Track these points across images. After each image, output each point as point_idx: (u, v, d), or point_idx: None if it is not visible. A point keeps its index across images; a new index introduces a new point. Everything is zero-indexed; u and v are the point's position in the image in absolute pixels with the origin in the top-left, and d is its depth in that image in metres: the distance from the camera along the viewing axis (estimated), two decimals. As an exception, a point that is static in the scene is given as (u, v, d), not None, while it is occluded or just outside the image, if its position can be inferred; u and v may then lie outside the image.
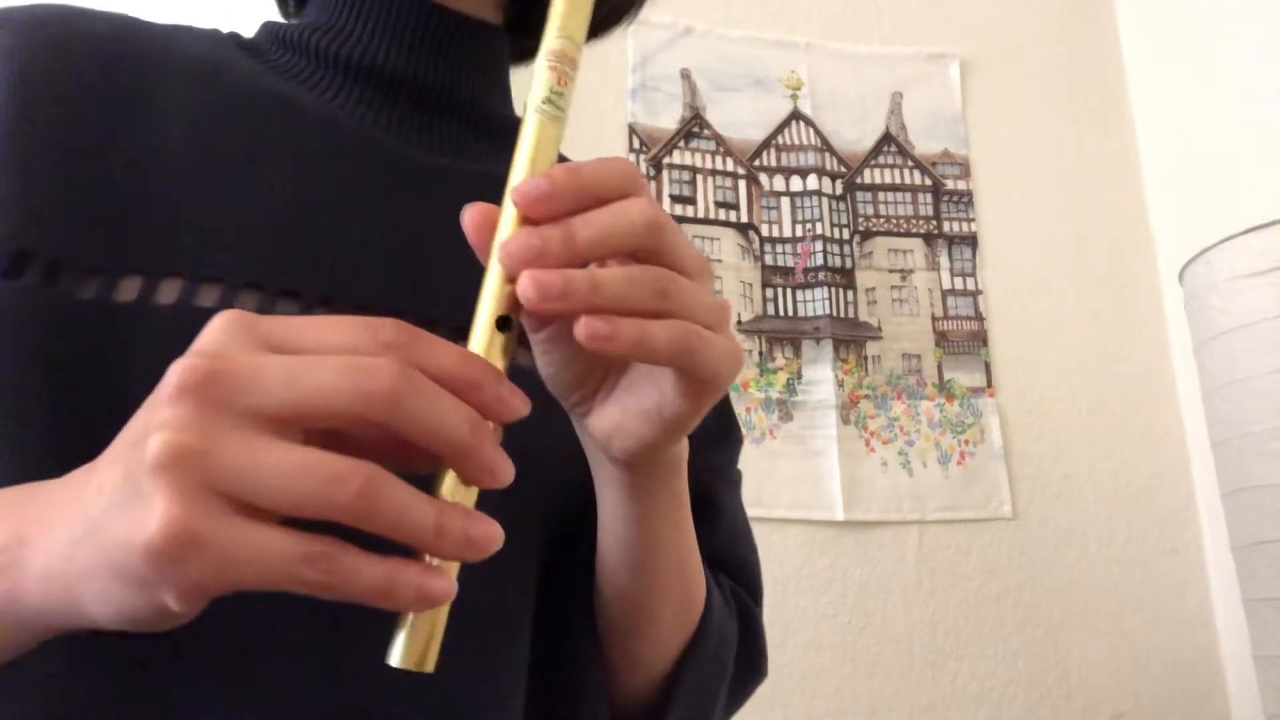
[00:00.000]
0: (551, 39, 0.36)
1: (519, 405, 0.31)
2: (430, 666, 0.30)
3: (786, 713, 1.54)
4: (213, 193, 0.44)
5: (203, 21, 0.53)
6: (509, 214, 0.33)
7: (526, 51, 0.59)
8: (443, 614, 0.30)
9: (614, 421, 0.38)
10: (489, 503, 0.31)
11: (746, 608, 0.59)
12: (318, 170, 0.47)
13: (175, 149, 0.45)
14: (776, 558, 1.60)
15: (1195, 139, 1.86)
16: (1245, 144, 1.72)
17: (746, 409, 1.68)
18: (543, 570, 0.50)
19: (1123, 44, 2.07)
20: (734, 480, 0.62)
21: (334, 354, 0.28)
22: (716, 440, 0.61)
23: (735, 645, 0.56)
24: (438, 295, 0.47)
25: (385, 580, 0.27)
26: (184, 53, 0.48)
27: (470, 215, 0.33)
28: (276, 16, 0.58)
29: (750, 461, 1.67)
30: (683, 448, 0.44)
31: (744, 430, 1.65)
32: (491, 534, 0.29)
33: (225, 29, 0.54)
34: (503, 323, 0.33)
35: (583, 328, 0.31)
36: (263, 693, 0.40)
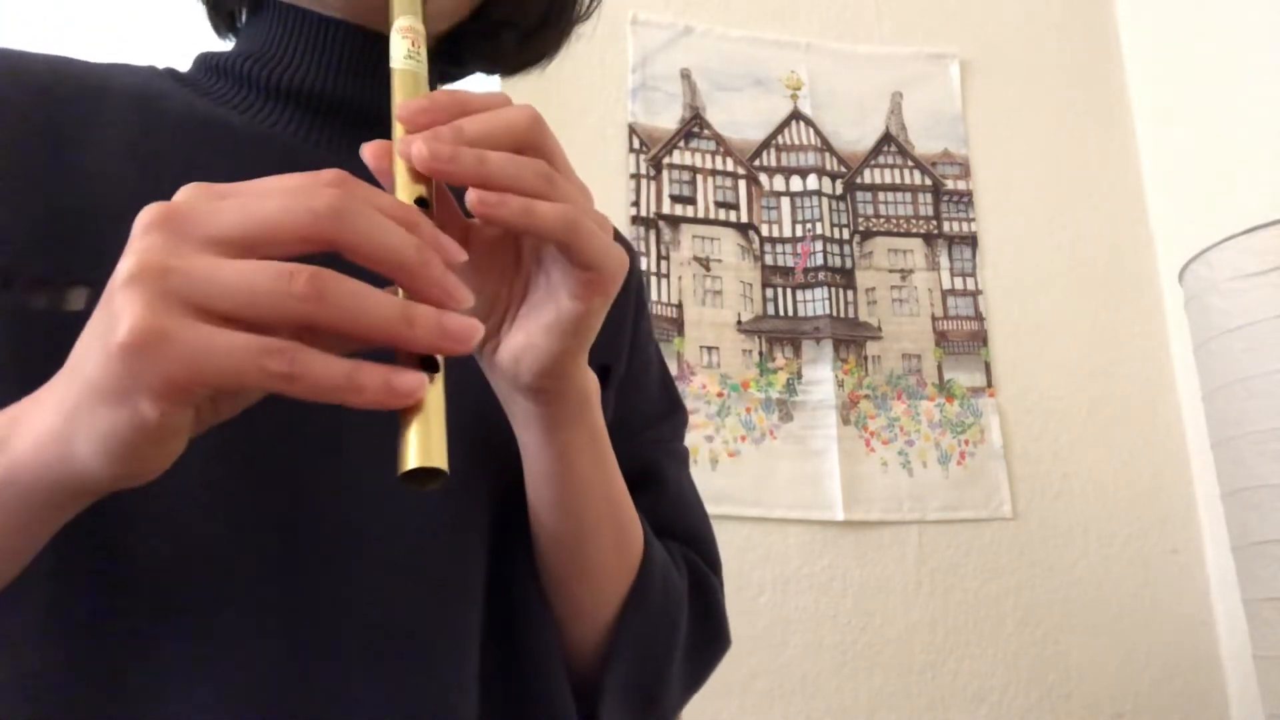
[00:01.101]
0: (399, 20, 0.42)
1: (456, 250, 0.33)
2: (442, 463, 0.30)
3: (786, 713, 1.54)
4: None
5: (141, 60, 0.55)
6: (399, 136, 0.37)
7: (447, 76, 0.63)
8: (439, 413, 0.30)
9: (520, 343, 0.42)
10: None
11: (699, 570, 0.60)
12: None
13: (113, 171, 0.47)
14: (776, 558, 1.59)
15: (1195, 139, 1.86)
16: (1245, 144, 1.72)
17: (747, 409, 1.68)
18: (493, 540, 0.51)
19: (1123, 44, 2.07)
20: (679, 455, 0.64)
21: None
22: (661, 416, 0.64)
23: (686, 602, 0.57)
24: None
25: (348, 374, 0.29)
26: (120, 85, 0.51)
27: (368, 148, 0.37)
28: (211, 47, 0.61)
29: (750, 461, 1.68)
30: (590, 381, 0.46)
31: (744, 430, 1.67)
32: (468, 325, 0.31)
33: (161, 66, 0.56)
34: (419, 204, 0.35)
35: (473, 196, 0.35)
36: (220, 662, 0.41)
